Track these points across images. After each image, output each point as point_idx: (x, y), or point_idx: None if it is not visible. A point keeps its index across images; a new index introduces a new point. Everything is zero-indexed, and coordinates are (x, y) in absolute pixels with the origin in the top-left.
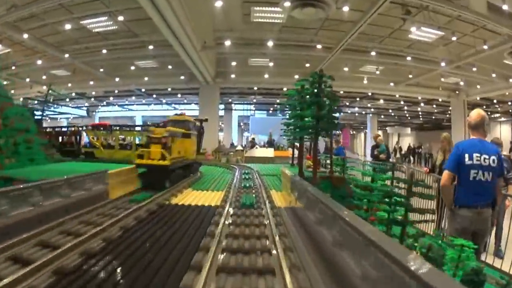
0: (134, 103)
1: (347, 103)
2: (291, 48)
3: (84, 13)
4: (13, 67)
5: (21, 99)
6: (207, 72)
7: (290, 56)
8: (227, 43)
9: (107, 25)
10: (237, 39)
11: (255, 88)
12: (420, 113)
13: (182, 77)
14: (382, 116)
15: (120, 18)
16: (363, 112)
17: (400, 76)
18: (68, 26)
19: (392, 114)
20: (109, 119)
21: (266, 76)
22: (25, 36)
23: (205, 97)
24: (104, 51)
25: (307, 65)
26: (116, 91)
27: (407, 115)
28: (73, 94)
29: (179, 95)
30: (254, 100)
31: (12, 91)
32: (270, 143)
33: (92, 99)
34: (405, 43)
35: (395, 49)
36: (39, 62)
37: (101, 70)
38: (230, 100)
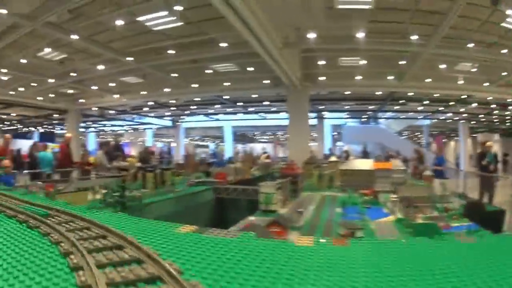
0: (221, 112)
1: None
2: (384, 42)
3: (142, 10)
4: (74, 74)
5: (96, 108)
6: (293, 74)
7: (383, 53)
8: (311, 38)
9: (167, 21)
10: (321, 34)
11: (347, 93)
12: (508, 117)
13: (266, 82)
14: (473, 122)
15: (179, 8)
16: (454, 119)
17: (493, 74)
18: (121, 24)
19: (482, 119)
20: (196, 129)
21: (358, 77)
22: (75, 37)
23: (293, 104)
24: (170, 51)
25: (401, 62)
26: (198, 99)
27: (495, 120)
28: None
29: (265, 103)
30: (347, 107)
31: (83, 100)
32: (365, 153)
33: (174, 108)
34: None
35: (489, 40)
36: (101, 67)
37: (174, 75)
38: (321, 108)
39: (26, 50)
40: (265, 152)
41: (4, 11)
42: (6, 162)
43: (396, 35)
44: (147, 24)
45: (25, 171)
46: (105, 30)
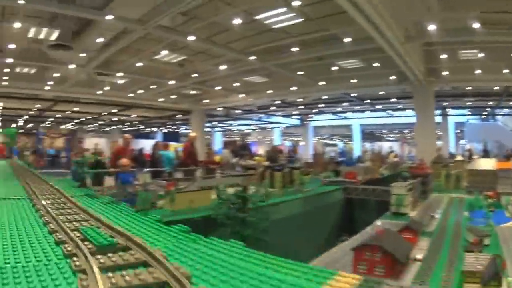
0: (349, 110)
1: None
2: (497, 33)
3: (259, 8)
4: (196, 75)
5: (221, 108)
6: (416, 68)
7: (498, 45)
8: (431, 31)
9: (287, 19)
10: (440, 26)
11: (468, 88)
12: None
13: (392, 78)
14: None
15: (297, 4)
16: None
17: None
18: (239, 24)
19: None
20: (324, 128)
21: (478, 71)
22: (192, 38)
23: (419, 100)
24: (294, 49)
25: None
26: (325, 97)
27: None
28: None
29: (392, 100)
30: (468, 104)
31: (207, 100)
32: (486, 152)
33: (302, 106)
34: None
35: None
36: (223, 67)
37: (300, 73)
38: (445, 104)
39: (142, 53)
40: (392, 151)
41: (111, 17)
42: (124, 160)
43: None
44: (266, 22)
45: (146, 169)
46: (223, 31)
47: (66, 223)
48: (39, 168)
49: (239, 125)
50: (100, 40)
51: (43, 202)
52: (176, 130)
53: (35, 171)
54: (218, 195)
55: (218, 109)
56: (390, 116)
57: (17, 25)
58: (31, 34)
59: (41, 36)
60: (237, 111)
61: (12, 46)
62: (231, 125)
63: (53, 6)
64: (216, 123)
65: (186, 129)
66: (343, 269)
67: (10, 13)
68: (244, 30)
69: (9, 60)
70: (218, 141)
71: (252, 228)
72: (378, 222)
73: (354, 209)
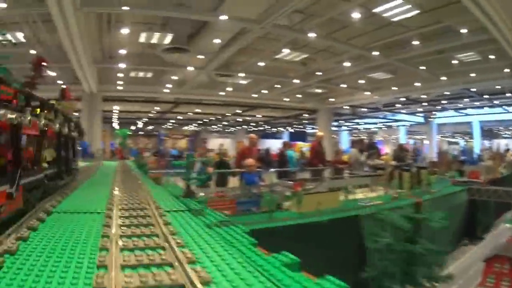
0: (469, 106)
1: None
2: None
3: (376, 1)
4: (319, 73)
5: (347, 107)
6: None
7: None
8: None
9: (404, 11)
10: None
11: None
12: None
13: (506, 70)
14: None
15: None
16: None
17: None
18: (358, 18)
19: None
20: (446, 125)
21: None
22: (312, 35)
23: None
24: (414, 42)
25: None
26: (447, 93)
27: None
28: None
29: (507, 94)
30: None
31: (332, 99)
32: None
33: (425, 103)
34: None
35: None
36: (347, 64)
37: (422, 68)
38: None
39: (262, 53)
40: (508, 149)
41: (225, 17)
42: (250, 161)
43: None
44: (384, 15)
45: (272, 170)
46: (342, 27)
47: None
48: (160, 168)
49: (365, 123)
50: (217, 41)
51: (119, 221)
52: (303, 130)
53: (144, 175)
54: (379, 220)
55: (344, 107)
56: (506, 112)
57: (125, 31)
58: (142, 39)
59: (154, 41)
60: (363, 109)
61: (123, 51)
62: (357, 123)
63: (161, 10)
64: (343, 121)
65: (312, 128)
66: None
67: (117, 20)
68: (364, 25)
69: (122, 65)
70: (345, 140)
71: (425, 266)
72: (504, 226)
73: (476, 211)
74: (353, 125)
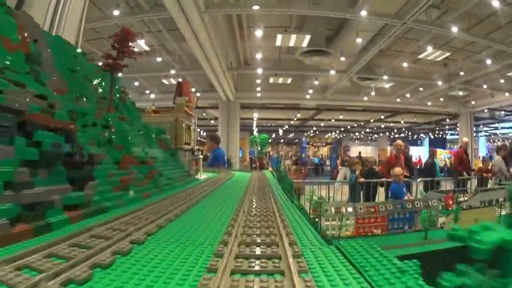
0: None
1: None
2: None
3: None
4: (462, 73)
5: (486, 110)
6: None
7: None
8: None
9: None
10: None
11: None
12: None
13: None
14: None
15: None
16: None
17: None
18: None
19: None
20: None
21: None
22: (455, 29)
23: None
24: None
25: None
26: None
27: None
28: None
29: None
30: None
31: (473, 102)
32: None
33: None
34: None
35: None
36: (489, 62)
37: None
38: None
39: (403, 54)
40: None
41: (364, 13)
42: (398, 169)
43: None
44: None
45: (419, 179)
46: (480, 21)
47: None
48: (302, 178)
49: (502, 128)
50: (359, 40)
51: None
52: (443, 136)
53: (287, 186)
54: None
55: (485, 111)
56: None
57: (259, 33)
58: (278, 42)
59: (291, 44)
60: (502, 113)
61: (259, 55)
62: (496, 128)
63: (295, 9)
64: (481, 126)
65: (450, 134)
66: None
67: (250, 25)
68: (502, 18)
69: (259, 71)
70: (482, 146)
71: None
72: None
73: None
74: (490, 129)
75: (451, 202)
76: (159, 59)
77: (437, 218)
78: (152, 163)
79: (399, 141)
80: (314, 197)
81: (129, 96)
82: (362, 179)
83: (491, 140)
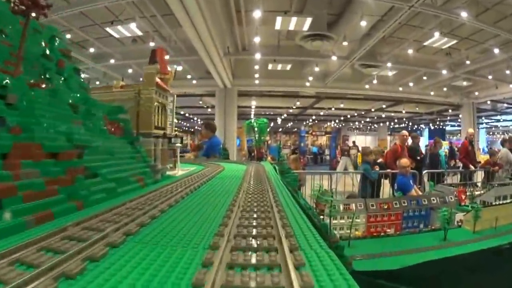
0: None
1: None
2: None
3: None
4: (468, 62)
5: (488, 102)
6: None
7: None
8: None
9: None
10: None
11: None
12: None
13: None
14: None
15: None
16: None
17: None
18: None
19: None
20: None
21: None
22: (464, 14)
23: None
24: None
25: None
26: None
27: None
28: None
29: None
30: None
31: (477, 93)
32: None
33: None
34: None
35: None
36: (496, 51)
37: None
38: None
39: (407, 41)
40: None
41: None
42: (405, 161)
43: None
44: None
45: (425, 171)
46: (487, 9)
47: None
48: (301, 167)
49: (503, 120)
50: (363, 23)
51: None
52: (442, 127)
53: (292, 182)
54: None
55: (488, 102)
56: None
57: (257, 15)
58: (278, 26)
59: (291, 27)
60: (504, 105)
61: (257, 39)
62: (498, 120)
63: None
64: (483, 118)
65: (450, 126)
66: None
67: (248, 9)
68: (509, 7)
69: (257, 56)
70: (482, 139)
71: None
72: None
73: None
74: (492, 122)
75: (463, 197)
76: (152, 44)
77: (454, 215)
78: (77, 156)
79: (404, 131)
80: (320, 194)
81: (76, 61)
82: (377, 167)
83: (491, 133)
